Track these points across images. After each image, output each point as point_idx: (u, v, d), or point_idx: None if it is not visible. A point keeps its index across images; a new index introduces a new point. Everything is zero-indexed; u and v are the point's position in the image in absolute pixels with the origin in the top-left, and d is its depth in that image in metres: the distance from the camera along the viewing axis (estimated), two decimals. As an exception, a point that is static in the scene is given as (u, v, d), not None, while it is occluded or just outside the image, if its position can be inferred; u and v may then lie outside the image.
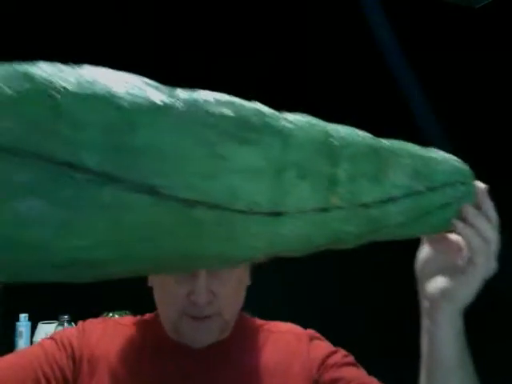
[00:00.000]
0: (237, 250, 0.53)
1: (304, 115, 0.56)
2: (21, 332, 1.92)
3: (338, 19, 2.58)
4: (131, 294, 1.99)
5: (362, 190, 0.56)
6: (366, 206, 0.56)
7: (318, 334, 0.85)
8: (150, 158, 0.48)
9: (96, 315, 0.88)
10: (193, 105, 0.50)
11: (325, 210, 0.54)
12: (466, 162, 0.67)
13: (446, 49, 2.71)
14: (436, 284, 0.67)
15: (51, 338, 0.81)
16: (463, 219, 0.64)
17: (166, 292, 0.76)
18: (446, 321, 0.66)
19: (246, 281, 0.82)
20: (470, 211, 0.64)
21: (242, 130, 0.51)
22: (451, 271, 0.66)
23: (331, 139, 0.55)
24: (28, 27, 2.09)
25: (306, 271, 2.44)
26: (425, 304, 0.69)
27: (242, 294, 0.81)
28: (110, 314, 1.86)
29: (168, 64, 2.13)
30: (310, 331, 0.85)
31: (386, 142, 0.60)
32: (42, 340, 0.82)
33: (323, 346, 0.82)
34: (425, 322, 0.69)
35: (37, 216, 0.46)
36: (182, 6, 2.31)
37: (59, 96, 0.46)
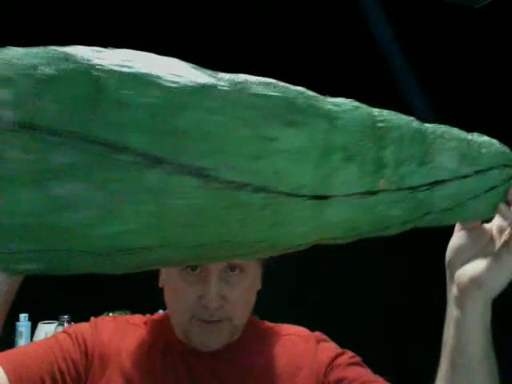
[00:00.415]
0: (280, 236, 0.52)
1: (348, 99, 0.55)
2: (21, 332, 1.92)
3: (338, 19, 2.58)
4: (131, 294, 1.99)
5: (410, 173, 0.54)
6: (413, 189, 0.54)
7: (324, 336, 0.85)
8: (195, 139, 0.46)
9: (96, 315, 0.87)
10: (236, 86, 0.49)
11: (371, 193, 0.53)
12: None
13: (445, 49, 2.71)
14: (468, 271, 0.66)
15: (65, 331, 0.81)
16: (508, 202, 0.62)
17: (178, 294, 0.76)
18: (476, 309, 0.65)
19: (257, 286, 0.82)
20: None
21: (287, 111, 0.50)
22: (484, 259, 0.65)
23: (377, 122, 0.54)
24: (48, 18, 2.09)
25: (309, 273, 2.44)
26: (454, 292, 0.67)
27: (253, 299, 0.80)
28: (110, 314, 1.86)
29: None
30: (317, 333, 0.85)
31: (431, 126, 0.58)
32: (57, 333, 0.81)
33: (330, 348, 0.82)
34: (452, 311, 0.67)
35: (78, 200, 0.45)
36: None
37: (101, 76, 0.45)
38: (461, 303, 0.66)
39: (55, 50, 0.46)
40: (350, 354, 0.82)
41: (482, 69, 2.69)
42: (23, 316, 1.95)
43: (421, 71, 2.62)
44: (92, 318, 0.85)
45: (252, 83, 0.50)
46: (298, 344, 0.83)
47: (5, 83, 0.44)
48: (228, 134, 0.47)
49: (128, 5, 2.24)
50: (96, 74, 0.45)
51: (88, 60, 0.46)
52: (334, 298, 2.50)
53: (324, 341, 0.84)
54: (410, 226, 0.58)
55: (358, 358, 0.81)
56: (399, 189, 0.54)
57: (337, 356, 0.80)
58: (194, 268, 0.74)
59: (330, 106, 0.52)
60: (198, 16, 2.35)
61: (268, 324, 0.87)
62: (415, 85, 2.62)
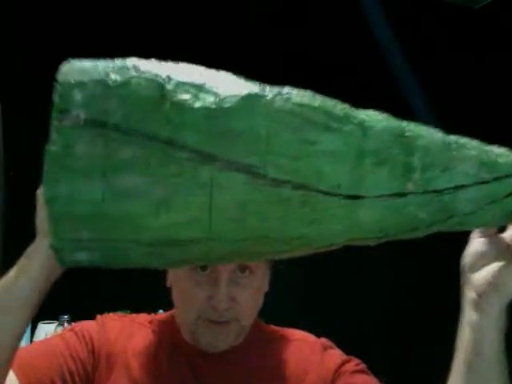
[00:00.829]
0: (317, 234, 0.57)
1: (379, 112, 0.62)
2: (21, 332, 1.91)
3: (338, 19, 2.57)
4: (131, 294, 1.99)
5: (435, 178, 0.59)
6: (438, 192, 0.59)
7: (330, 343, 0.86)
8: (244, 139, 0.53)
9: (96, 315, 0.87)
10: (279, 95, 0.56)
11: (401, 195, 0.58)
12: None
13: (445, 49, 2.71)
14: (486, 275, 0.67)
15: (72, 329, 0.81)
16: None
17: (187, 294, 0.76)
18: (493, 312, 0.66)
19: (265, 288, 0.83)
20: None
21: (326, 118, 0.56)
22: (501, 264, 0.67)
23: (405, 131, 0.60)
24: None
25: (314, 277, 2.44)
26: (471, 296, 0.69)
27: (260, 301, 0.81)
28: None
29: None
30: (323, 340, 0.86)
31: (454, 136, 0.64)
32: (64, 332, 0.82)
33: (337, 355, 0.83)
34: (468, 315, 0.69)
35: (135, 192, 0.51)
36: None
37: (165, 83, 0.53)
38: (478, 306, 0.67)
39: (123, 60, 0.54)
40: (356, 361, 0.82)
41: (482, 69, 2.68)
42: (23, 316, 1.94)
43: (421, 71, 2.61)
44: (98, 316, 0.86)
45: (292, 93, 0.57)
46: (304, 349, 0.83)
47: (79, 87, 0.51)
48: (274, 137, 0.54)
49: (131, 10, 2.25)
50: (161, 80, 0.53)
51: (153, 69, 0.53)
52: (340, 301, 2.50)
53: (330, 348, 0.85)
54: (434, 229, 0.62)
55: (363, 366, 0.82)
56: (425, 192, 0.59)
57: (343, 363, 0.81)
58: (203, 268, 0.74)
59: (364, 116, 0.59)
60: (197, 16, 2.35)
61: (274, 328, 0.87)
62: (415, 85, 2.62)
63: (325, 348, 0.84)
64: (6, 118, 1.68)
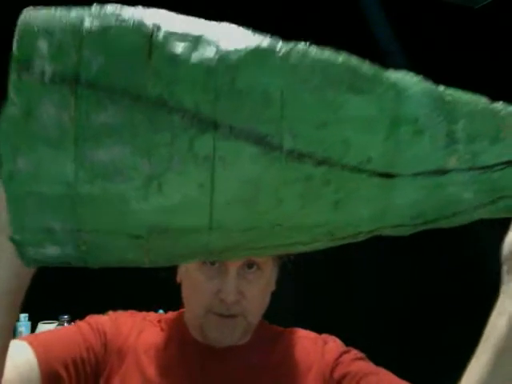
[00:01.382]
0: (342, 219, 0.47)
1: (412, 74, 0.51)
2: (21, 332, 1.92)
3: (338, 19, 2.58)
4: (131, 294, 1.99)
5: (483, 151, 0.48)
6: (487, 168, 0.49)
7: (332, 337, 0.87)
8: (254, 101, 0.42)
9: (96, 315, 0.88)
10: (295, 50, 0.45)
11: (443, 172, 0.48)
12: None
13: (445, 49, 2.71)
14: None
15: (86, 321, 0.82)
16: None
17: (196, 288, 0.78)
18: None
19: (272, 286, 0.83)
20: None
21: (353, 77, 0.46)
22: None
23: (445, 96, 0.49)
24: None
25: (317, 277, 2.44)
26: (510, 285, 0.66)
27: (267, 299, 0.82)
28: (110, 314, 1.86)
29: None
30: (325, 335, 0.87)
31: (500, 103, 0.53)
32: (79, 323, 0.83)
33: (336, 348, 0.84)
34: (505, 304, 0.66)
35: (119, 168, 0.40)
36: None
37: (154, 31, 0.42)
38: None
39: (102, 6, 0.42)
40: (354, 351, 0.83)
41: (482, 69, 2.69)
42: (23, 316, 1.95)
43: (421, 71, 2.61)
44: (111, 312, 0.88)
45: (311, 48, 0.47)
46: (307, 346, 0.84)
47: (45, 34, 0.40)
48: (289, 99, 0.43)
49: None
50: (148, 29, 0.42)
51: (139, 17, 0.42)
52: (338, 299, 2.51)
53: (331, 341, 0.86)
54: (481, 214, 0.51)
55: (361, 355, 0.83)
56: (472, 168, 0.48)
57: (341, 354, 0.82)
58: (213, 262, 0.76)
59: (396, 77, 0.48)
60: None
61: (278, 328, 0.89)
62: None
63: (325, 342, 0.85)
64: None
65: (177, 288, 0.84)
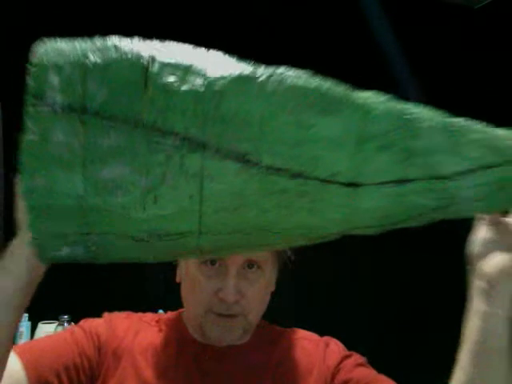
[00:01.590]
0: (316, 223, 0.54)
1: (379, 93, 0.58)
2: (21, 332, 1.92)
3: (338, 19, 2.57)
4: (131, 294, 1.99)
5: (439, 163, 0.56)
6: (443, 177, 0.56)
7: (334, 340, 0.87)
8: (236, 124, 0.49)
9: (96, 315, 0.88)
10: (273, 76, 0.52)
11: (402, 182, 0.55)
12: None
13: (445, 49, 2.71)
14: (494, 263, 0.66)
15: (80, 326, 0.82)
16: None
17: (196, 288, 0.78)
18: (503, 300, 0.66)
19: (272, 287, 0.84)
20: None
21: (324, 101, 0.53)
22: (510, 250, 0.66)
23: (407, 114, 0.57)
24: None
25: (317, 278, 2.44)
26: (480, 285, 0.67)
27: (267, 299, 0.82)
28: (110, 314, 1.86)
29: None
30: (326, 337, 0.87)
31: (457, 119, 0.60)
32: (72, 328, 0.83)
33: (338, 351, 0.84)
34: (477, 304, 0.67)
35: (121, 183, 0.47)
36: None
37: (149, 64, 0.49)
38: (487, 295, 0.66)
39: (104, 40, 0.50)
40: (356, 356, 0.84)
41: (482, 69, 2.69)
42: (23, 316, 1.94)
43: (420, 71, 2.61)
44: (106, 314, 0.87)
45: (287, 74, 0.53)
46: (308, 348, 0.84)
47: (55, 70, 0.47)
48: (267, 121, 0.50)
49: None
50: (144, 62, 0.49)
51: (136, 50, 0.49)
52: (339, 300, 2.50)
53: (333, 344, 0.86)
54: (440, 215, 0.59)
55: (363, 360, 0.83)
56: (429, 177, 0.56)
57: (343, 359, 0.82)
58: (213, 262, 0.76)
59: (364, 98, 0.55)
60: (193, 15, 2.35)
61: (279, 328, 0.88)
62: (415, 85, 2.62)
63: (327, 345, 0.84)
64: (6, 117, 1.68)
65: (176, 288, 0.84)
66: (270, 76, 0.52)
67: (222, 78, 0.50)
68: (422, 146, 0.55)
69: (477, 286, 0.68)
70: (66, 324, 1.78)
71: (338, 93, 0.54)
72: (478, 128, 0.60)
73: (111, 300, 2.04)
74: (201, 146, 0.48)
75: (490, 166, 0.58)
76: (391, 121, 0.55)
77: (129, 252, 0.52)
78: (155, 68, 0.49)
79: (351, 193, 0.54)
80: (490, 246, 0.67)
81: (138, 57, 0.49)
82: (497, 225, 0.68)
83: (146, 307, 0.90)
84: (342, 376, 0.79)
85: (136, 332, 0.83)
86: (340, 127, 0.52)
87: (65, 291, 1.98)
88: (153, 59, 0.49)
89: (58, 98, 0.47)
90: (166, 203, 0.49)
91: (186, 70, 0.49)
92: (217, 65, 0.50)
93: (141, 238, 0.50)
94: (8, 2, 2.03)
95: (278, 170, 0.50)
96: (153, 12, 2.29)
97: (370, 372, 0.81)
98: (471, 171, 0.57)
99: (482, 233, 0.69)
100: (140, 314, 0.89)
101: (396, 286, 2.57)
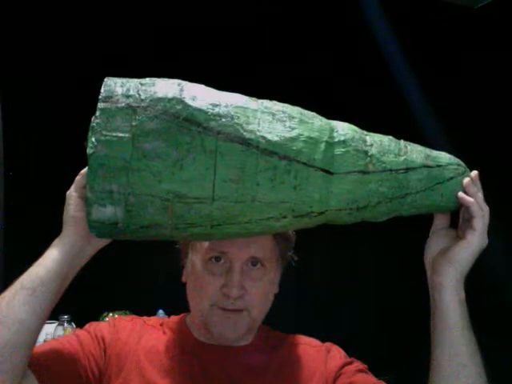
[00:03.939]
0: (299, 198, 0.71)
1: (347, 124, 0.79)
2: (21, 332, 1.91)
3: (338, 18, 2.58)
4: (131, 294, 1.99)
5: (390, 161, 0.77)
6: (394, 171, 0.76)
7: (335, 346, 0.88)
8: (241, 123, 0.70)
9: (96, 315, 0.88)
10: (265, 104, 0.74)
11: (364, 172, 0.74)
12: (461, 158, 0.83)
13: (445, 49, 2.71)
14: (441, 253, 0.78)
15: (86, 329, 0.84)
16: (464, 192, 0.79)
17: (201, 284, 0.80)
18: (452, 285, 0.75)
19: (276, 287, 0.86)
20: (469, 183, 0.79)
21: (299, 116, 0.74)
22: (453, 242, 0.78)
23: (364, 134, 0.78)
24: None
25: (312, 274, 2.44)
26: (434, 279, 0.77)
27: (270, 299, 0.85)
28: (110, 314, 1.86)
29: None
30: (328, 343, 0.88)
31: (401, 140, 0.82)
32: (77, 331, 0.85)
33: (339, 357, 0.85)
34: (434, 296, 0.76)
35: (157, 153, 0.66)
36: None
37: (186, 99, 0.70)
38: (438, 283, 0.75)
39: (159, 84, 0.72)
40: (357, 362, 0.85)
41: (482, 69, 2.69)
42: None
43: (420, 71, 2.62)
44: (110, 318, 0.88)
45: (275, 103, 0.75)
46: (310, 353, 0.86)
47: (121, 85, 0.70)
48: (264, 123, 0.71)
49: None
50: (178, 99, 0.70)
51: (176, 93, 0.69)
52: (337, 298, 2.51)
53: (334, 350, 0.87)
54: (395, 205, 0.77)
55: (363, 366, 0.85)
56: (384, 171, 0.76)
57: (344, 365, 0.83)
58: (218, 259, 0.80)
59: (334, 121, 0.78)
60: (197, 28, 2.35)
61: (281, 334, 0.90)
62: (414, 85, 2.62)
63: (328, 351, 0.86)
64: (6, 118, 1.68)
65: (176, 289, 0.84)
66: (263, 105, 0.74)
67: (234, 105, 0.72)
68: (375, 151, 0.76)
69: (432, 281, 0.77)
70: (65, 324, 1.77)
71: (311, 114, 0.76)
72: (417, 144, 0.81)
73: (111, 300, 2.04)
74: (216, 133, 0.68)
75: (428, 167, 0.78)
76: (352, 134, 0.76)
77: (154, 215, 0.66)
78: (186, 110, 0.69)
79: (326, 177, 0.72)
80: (437, 246, 0.80)
81: (175, 98, 0.70)
82: (442, 231, 0.82)
83: (146, 307, 0.90)
84: (342, 381, 0.81)
85: (140, 335, 0.84)
86: (315, 131, 0.73)
87: (65, 291, 1.98)
88: (182, 97, 0.70)
89: (120, 99, 0.68)
90: (188, 171, 0.66)
91: (214, 103, 0.71)
92: (233, 99, 0.72)
93: (167, 198, 0.66)
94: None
95: (271, 152, 0.69)
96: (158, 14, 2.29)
97: (370, 378, 0.82)
98: (414, 168, 0.77)
99: (431, 239, 0.82)
100: (144, 318, 0.90)
101: (396, 286, 2.57)
